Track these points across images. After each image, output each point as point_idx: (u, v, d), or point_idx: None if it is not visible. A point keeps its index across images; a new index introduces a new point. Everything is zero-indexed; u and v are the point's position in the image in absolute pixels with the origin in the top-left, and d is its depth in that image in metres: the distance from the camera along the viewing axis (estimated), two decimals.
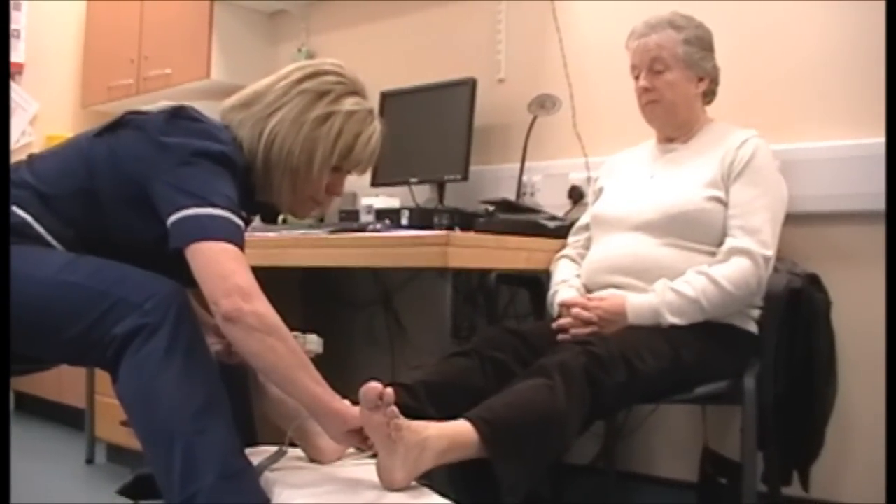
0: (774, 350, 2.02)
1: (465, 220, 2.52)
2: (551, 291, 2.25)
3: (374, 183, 3.10)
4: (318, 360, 1.62)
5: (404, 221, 2.55)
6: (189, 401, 1.42)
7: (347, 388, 1.65)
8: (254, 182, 1.70)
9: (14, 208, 1.58)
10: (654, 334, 1.94)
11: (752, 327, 2.08)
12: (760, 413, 1.98)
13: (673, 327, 1.97)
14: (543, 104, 2.75)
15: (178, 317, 1.46)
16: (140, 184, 1.57)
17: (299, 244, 2.35)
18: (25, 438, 3.50)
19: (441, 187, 2.90)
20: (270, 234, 2.49)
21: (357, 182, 3.24)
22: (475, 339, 2.09)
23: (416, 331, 3.12)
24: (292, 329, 1.55)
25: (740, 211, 2.06)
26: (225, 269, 1.46)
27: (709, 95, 2.24)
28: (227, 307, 1.45)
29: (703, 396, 1.98)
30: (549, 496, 2.46)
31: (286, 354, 1.48)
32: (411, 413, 1.73)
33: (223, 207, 1.51)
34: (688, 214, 2.08)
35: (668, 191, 2.14)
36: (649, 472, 2.63)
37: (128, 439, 2.89)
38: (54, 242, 1.59)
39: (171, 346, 1.44)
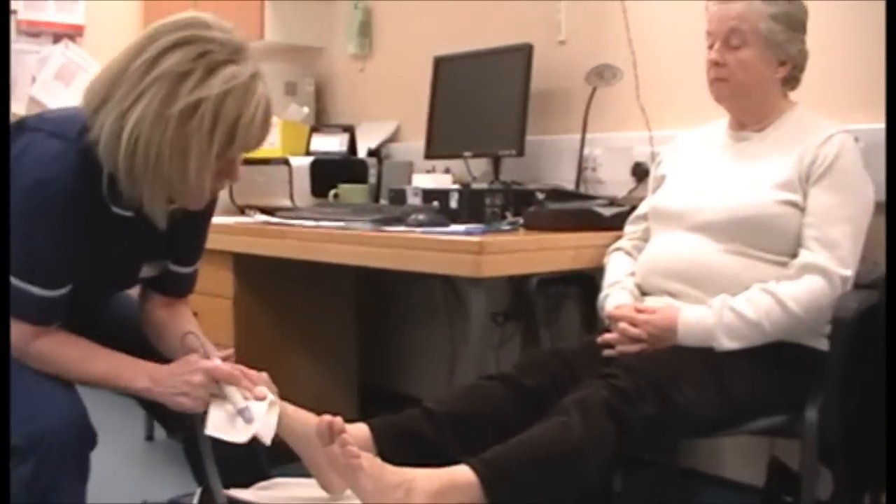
0: (844, 368, 1.81)
1: (520, 201, 2.38)
2: (602, 294, 2.06)
3: (428, 155, 2.94)
4: (377, 332, 1.53)
5: (453, 204, 2.41)
6: None
7: (406, 359, 1.54)
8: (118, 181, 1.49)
9: None
10: (697, 361, 1.75)
11: (823, 345, 1.84)
12: (826, 442, 1.78)
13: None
14: (602, 75, 2.53)
15: (46, 454, 1.42)
16: None
17: (333, 239, 2.25)
18: None
19: (496, 162, 2.73)
20: (308, 224, 2.39)
21: (412, 150, 3.12)
22: (515, 364, 1.94)
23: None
24: None
25: (818, 220, 1.82)
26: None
27: (791, 81, 1.98)
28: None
29: (756, 431, 1.80)
30: (608, 488, 2.33)
31: (71, 372, 1.54)
32: (432, 447, 1.65)
33: (22, 278, 1.48)
34: (757, 219, 1.85)
35: (737, 189, 1.91)
36: (714, 471, 2.47)
37: None
38: None
39: (29, 486, 1.41)
